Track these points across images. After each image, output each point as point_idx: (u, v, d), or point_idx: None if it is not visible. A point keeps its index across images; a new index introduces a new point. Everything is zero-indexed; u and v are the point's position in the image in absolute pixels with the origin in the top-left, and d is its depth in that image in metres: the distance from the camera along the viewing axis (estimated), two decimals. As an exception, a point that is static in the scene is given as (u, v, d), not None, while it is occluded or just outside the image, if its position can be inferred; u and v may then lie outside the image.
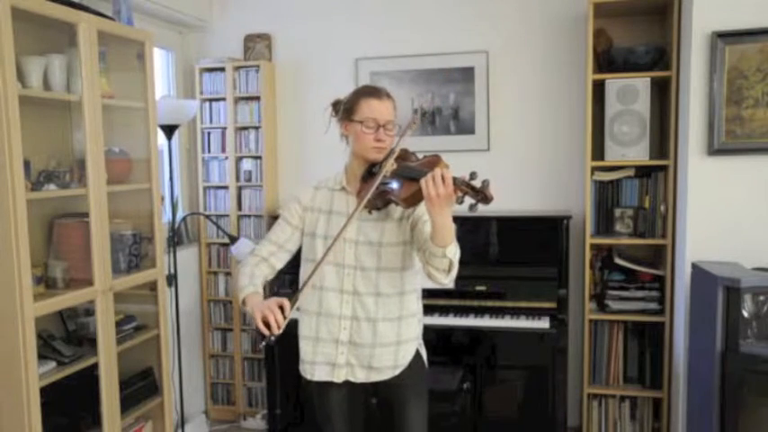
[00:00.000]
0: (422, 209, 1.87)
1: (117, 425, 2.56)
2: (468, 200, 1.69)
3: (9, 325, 2.12)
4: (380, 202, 1.90)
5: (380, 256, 1.93)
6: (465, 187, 1.68)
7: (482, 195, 1.67)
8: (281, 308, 1.75)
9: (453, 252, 1.78)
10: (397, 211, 1.95)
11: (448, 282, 1.86)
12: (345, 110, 1.97)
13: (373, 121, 1.91)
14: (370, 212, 1.94)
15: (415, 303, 2.05)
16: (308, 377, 2.03)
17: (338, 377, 1.98)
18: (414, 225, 1.95)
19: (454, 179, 1.68)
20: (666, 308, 3.12)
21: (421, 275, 2.02)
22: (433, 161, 1.84)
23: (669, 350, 3.12)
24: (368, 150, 1.93)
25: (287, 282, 3.48)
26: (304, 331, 2.04)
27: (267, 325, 1.73)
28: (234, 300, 3.80)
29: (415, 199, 1.80)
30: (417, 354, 2.05)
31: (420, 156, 1.96)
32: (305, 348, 2.03)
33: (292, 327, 3.26)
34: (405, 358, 2.00)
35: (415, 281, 2.04)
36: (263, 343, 1.80)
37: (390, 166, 1.87)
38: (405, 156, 1.94)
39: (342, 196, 2.01)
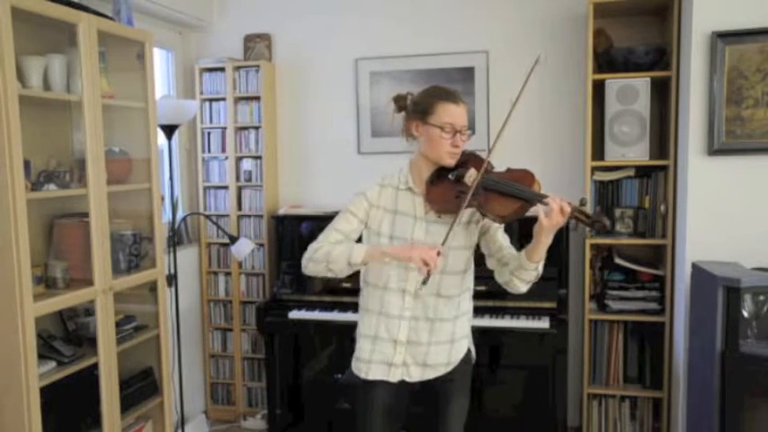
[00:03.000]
0: None
1: (117, 425, 2.56)
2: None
3: (9, 325, 2.12)
4: (454, 206, 1.88)
5: (447, 259, 1.93)
6: (581, 215, 1.75)
7: (600, 225, 1.73)
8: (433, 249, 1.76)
9: (542, 264, 1.86)
10: (465, 214, 1.94)
11: (526, 290, 1.94)
12: (419, 111, 1.94)
13: (451, 126, 1.89)
14: (439, 216, 1.93)
15: (468, 302, 2.07)
16: (363, 375, 2.02)
17: (394, 377, 1.99)
18: (484, 231, 1.97)
19: (572, 209, 1.74)
20: (666, 308, 3.12)
21: (473, 274, 2.06)
22: (527, 176, 1.86)
23: (669, 350, 3.12)
24: (443, 155, 1.91)
25: (287, 282, 3.48)
26: (364, 329, 2.04)
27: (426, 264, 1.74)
28: (234, 299, 3.80)
29: (514, 216, 1.81)
30: (468, 350, 2.08)
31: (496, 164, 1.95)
32: (363, 346, 2.03)
33: (293, 326, 3.27)
34: (458, 355, 2.03)
35: (471, 280, 2.06)
36: (424, 282, 1.79)
37: (478, 179, 1.85)
38: (480, 164, 1.91)
39: (407, 196, 1.98)
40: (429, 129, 1.91)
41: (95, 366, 2.47)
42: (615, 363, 3.26)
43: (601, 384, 3.29)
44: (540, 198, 1.78)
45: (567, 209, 1.73)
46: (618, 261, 3.22)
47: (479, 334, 3.07)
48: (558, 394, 3.05)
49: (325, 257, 1.89)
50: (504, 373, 3.35)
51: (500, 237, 1.97)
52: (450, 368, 2.01)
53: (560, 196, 1.80)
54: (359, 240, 2.02)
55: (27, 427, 2.16)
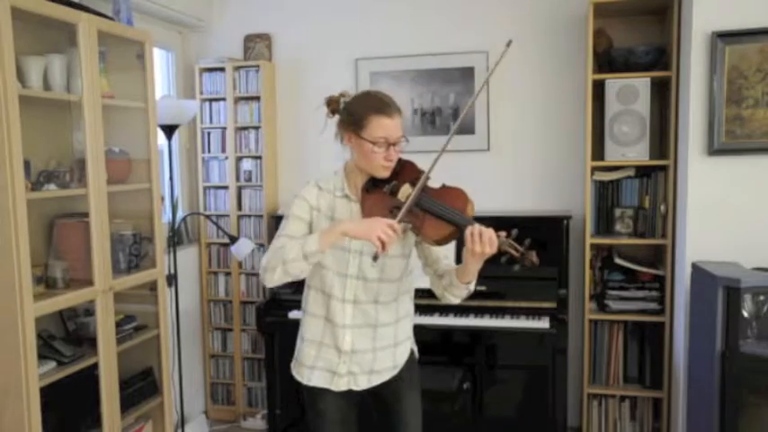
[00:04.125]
0: None
1: (117, 425, 2.56)
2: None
3: (9, 325, 2.12)
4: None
5: (384, 268, 1.91)
6: (509, 248, 1.72)
7: (527, 260, 1.71)
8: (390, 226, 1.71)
9: (474, 284, 1.86)
10: (415, 235, 1.91)
11: (458, 302, 1.95)
12: (352, 122, 1.87)
13: (384, 140, 1.82)
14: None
15: (409, 303, 2.06)
16: (304, 381, 2.00)
17: (337, 386, 1.96)
18: (421, 241, 1.93)
19: (500, 242, 1.70)
20: (666, 308, 3.12)
21: (413, 276, 2.04)
22: (460, 197, 1.81)
23: (669, 350, 3.12)
24: (376, 168, 1.87)
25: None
26: (308, 334, 2.00)
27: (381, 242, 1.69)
28: (234, 299, 3.80)
29: (446, 241, 1.79)
30: (411, 351, 2.08)
31: (427, 175, 1.86)
32: (307, 351, 1.99)
33: (293, 326, 3.27)
34: (402, 357, 2.02)
35: (409, 283, 2.04)
36: (375, 259, 1.75)
37: (412, 197, 1.79)
38: (417, 177, 1.84)
39: (344, 204, 1.93)
40: (362, 143, 1.84)
41: (95, 366, 2.47)
42: (615, 363, 3.26)
43: (601, 384, 3.29)
44: (471, 225, 1.73)
45: (494, 240, 1.69)
46: (618, 261, 3.22)
47: (479, 334, 3.09)
48: (558, 394, 3.05)
49: (279, 260, 1.78)
50: (503, 373, 3.35)
51: (435, 248, 1.92)
52: (395, 371, 1.99)
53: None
54: None
55: (27, 427, 2.16)
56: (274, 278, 1.82)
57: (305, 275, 1.88)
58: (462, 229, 1.73)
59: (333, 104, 1.97)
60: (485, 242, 1.69)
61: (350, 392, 1.99)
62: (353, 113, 1.88)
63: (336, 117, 1.96)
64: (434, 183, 1.89)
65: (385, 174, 1.88)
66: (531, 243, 1.71)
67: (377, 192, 1.89)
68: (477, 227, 1.71)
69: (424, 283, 2.07)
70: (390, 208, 1.82)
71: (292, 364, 2.06)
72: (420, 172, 1.88)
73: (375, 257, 1.74)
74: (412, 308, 2.08)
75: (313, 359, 1.98)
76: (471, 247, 1.70)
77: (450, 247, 2.16)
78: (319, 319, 1.97)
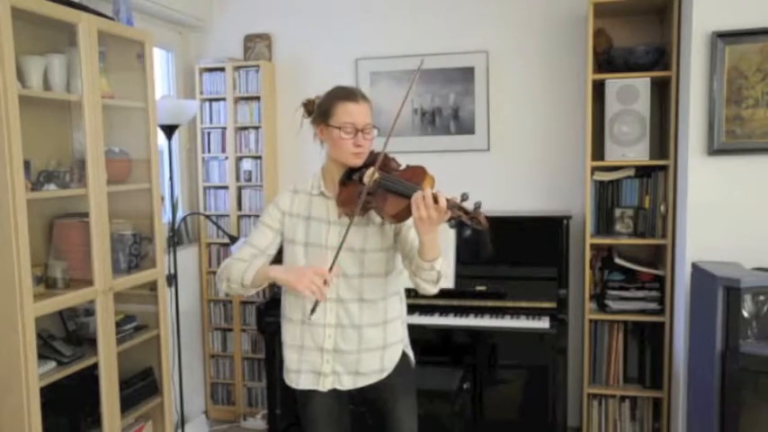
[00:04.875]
0: None
1: (117, 425, 2.56)
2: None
3: (9, 325, 2.12)
4: (362, 211, 1.84)
5: (363, 263, 1.90)
6: (458, 210, 1.65)
7: (476, 220, 1.64)
8: (317, 273, 1.73)
9: (441, 264, 1.79)
10: (378, 216, 1.92)
11: (435, 291, 1.88)
12: (321, 113, 1.91)
13: (351, 125, 1.85)
14: (351, 219, 1.87)
15: (399, 306, 2.03)
16: (294, 386, 2.00)
17: (323, 386, 1.95)
18: (398, 231, 1.92)
19: (447, 201, 1.64)
20: (666, 308, 3.12)
21: (403, 277, 2.01)
22: (418, 173, 1.79)
23: (669, 350, 3.12)
24: (347, 156, 1.88)
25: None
26: (288, 339, 2.00)
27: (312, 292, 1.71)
28: (234, 299, 3.80)
29: (403, 216, 1.76)
30: (404, 354, 2.04)
31: (402, 163, 1.91)
32: (290, 357, 1.99)
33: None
34: (391, 361, 1.99)
35: (398, 283, 2.02)
36: (313, 311, 1.78)
37: (373, 175, 1.81)
38: (386, 163, 1.88)
39: (320, 201, 1.95)
40: (330, 130, 1.88)
41: (95, 366, 2.47)
42: (615, 363, 3.26)
43: (601, 384, 3.29)
44: (416, 189, 1.70)
45: (441, 199, 1.64)
46: (618, 261, 3.22)
47: (479, 334, 3.09)
48: (558, 394, 3.05)
49: (226, 277, 1.90)
50: (503, 373, 3.35)
51: (411, 236, 1.89)
52: (384, 375, 1.97)
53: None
54: (280, 250, 2.00)
55: (27, 427, 2.16)
56: (222, 289, 1.94)
57: (252, 293, 1.95)
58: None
59: (309, 106, 2.01)
60: (428, 205, 1.63)
61: (337, 393, 1.97)
62: (321, 105, 1.94)
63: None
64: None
65: (356, 161, 1.89)
66: (479, 204, 1.63)
67: (351, 183, 1.90)
68: (421, 192, 1.66)
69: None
70: (359, 194, 1.82)
71: (284, 372, 2.05)
72: (389, 159, 1.90)
73: (312, 310, 1.76)
74: (403, 311, 2.06)
75: (297, 363, 1.97)
76: (417, 212, 1.65)
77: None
78: (296, 323, 1.96)
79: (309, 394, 1.98)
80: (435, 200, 1.64)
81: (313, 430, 2.02)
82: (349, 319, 1.92)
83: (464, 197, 1.67)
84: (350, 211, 1.83)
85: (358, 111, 1.87)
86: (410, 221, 1.82)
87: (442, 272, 1.81)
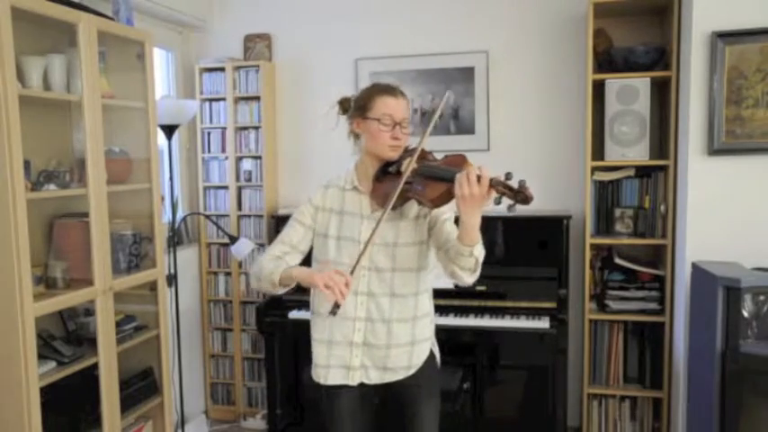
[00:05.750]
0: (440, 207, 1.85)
1: (117, 425, 2.56)
2: (506, 201, 1.65)
3: (9, 325, 2.12)
4: (398, 201, 1.85)
5: (395, 257, 1.91)
6: (502, 188, 1.64)
7: (522, 196, 1.61)
8: (338, 272, 1.74)
9: (480, 251, 1.78)
10: (412, 209, 1.93)
11: (472, 281, 1.84)
12: (358, 107, 1.93)
13: (390, 118, 1.87)
14: (385, 209, 1.87)
15: (428, 303, 2.04)
16: (322, 381, 1.99)
17: (352, 380, 1.96)
18: (432, 224, 1.93)
19: (490, 179, 1.64)
20: (666, 308, 3.12)
21: (432, 275, 2.02)
22: (458, 161, 1.80)
23: (669, 350, 3.12)
24: (384, 149, 1.90)
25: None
26: (317, 334, 2.00)
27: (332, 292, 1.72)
28: (234, 299, 3.80)
29: (443, 199, 1.76)
30: (431, 354, 2.05)
31: (438, 155, 1.92)
32: (318, 351, 1.99)
33: (293, 326, 3.27)
34: (419, 358, 1.99)
35: (428, 280, 2.03)
36: (332, 312, 1.77)
37: (411, 165, 1.83)
38: (423, 155, 1.90)
39: (353, 196, 1.97)
40: (368, 123, 1.90)
41: (95, 366, 2.47)
42: (615, 363, 3.26)
43: (601, 384, 3.29)
44: (457, 173, 1.70)
45: (485, 175, 1.64)
46: (618, 261, 3.22)
47: (479, 334, 3.09)
48: (558, 394, 3.05)
49: (258, 277, 1.93)
50: (503, 373, 3.35)
51: (447, 228, 1.90)
52: (411, 371, 1.97)
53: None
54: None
55: (27, 427, 2.16)
56: (252, 284, 1.96)
57: (281, 293, 1.96)
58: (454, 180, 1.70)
59: (344, 103, 2.02)
60: (472, 182, 1.63)
61: (364, 390, 1.98)
62: (359, 100, 1.96)
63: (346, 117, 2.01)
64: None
65: (393, 154, 1.91)
66: (523, 181, 1.62)
67: (387, 178, 1.91)
68: (464, 171, 1.66)
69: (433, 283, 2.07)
70: (396, 184, 1.82)
71: (312, 368, 2.04)
72: (426, 152, 1.92)
73: (332, 310, 1.75)
74: (432, 308, 2.06)
75: (326, 358, 1.98)
76: (460, 190, 1.64)
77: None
78: (325, 317, 1.95)
79: (337, 390, 1.98)
80: (478, 179, 1.64)
81: (338, 427, 2.01)
82: (379, 314, 1.92)
83: (508, 176, 1.66)
84: (386, 202, 1.83)
85: (396, 104, 1.90)
86: (445, 213, 1.86)
87: (480, 260, 1.79)
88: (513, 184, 1.64)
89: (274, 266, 1.90)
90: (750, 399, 2.42)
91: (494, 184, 1.64)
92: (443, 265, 1.89)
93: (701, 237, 2.75)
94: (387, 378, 1.96)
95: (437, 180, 1.78)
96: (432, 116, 1.92)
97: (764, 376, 2.37)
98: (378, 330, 1.93)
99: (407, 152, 1.92)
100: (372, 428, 2.09)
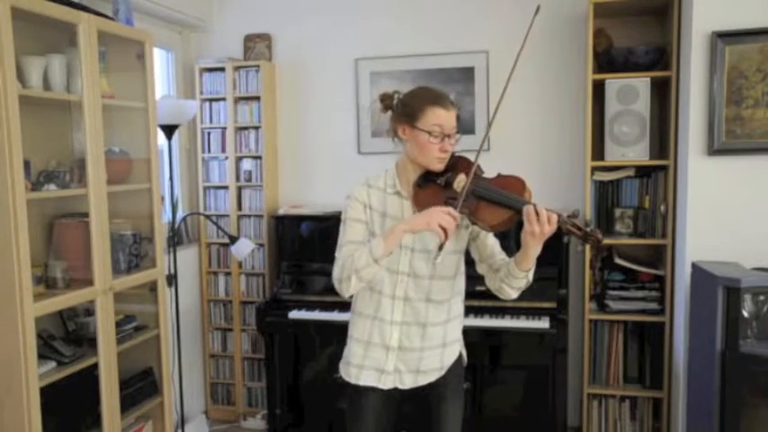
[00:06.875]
0: None
1: (117, 425, 2.56)
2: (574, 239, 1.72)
3: (9, 325, 2.12)
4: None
5: (435, 265, 1.90)
6: (571, 227, 1.69)
7: (593, 239, 1.69)
8: (448, 213, 1.71)
9: (533, 272, 1.82)
10: (471, 223, 1.90)
11: (516, 296, 1.89)
12: (406, 113, 1.88)
13: (440, 130, 1.83)
14: None
15: (459, 305, 2.04)
16: (353, 381, 1.98)
17: (385, 384, 1.96)
18: (474, 236, 1.93)
19: (560, 220, 1.68)
20: (666, 308, 3.12)
21: (464, 277, 2.02)
22: (517, 185, 1.80)
23: (669, 350, 3.12)
24: (431, 160, 1.87)
25: (287, 282, 3.49)
26: (356, 333, 2.00)
27: (443, 230, 1.69)
28: (234, 299, 3.80)
29: (505, 226, 1.76)
30: (459, 354, 2.06)
31: (485, 169, 1.90)
32: (356, 351, 1.98)
33: (293, 326, 3.27)
34: (450, 359, 2.00)
35: (462, 284, 2.03)
36: (440, 249, 1.75)
37: (468, 185, 1.80)
38: (470, 167, 1.85)
39: (395, 200, 1.93)
40: (417, 133, 1.85)
41: (95, 366, 2.47)
42: (615, 363, 3.26)
43: (601, 384, 3.29)
44: (524, 203, 1.73)
45: (554, 218, 1.68)
46: (618, 261, 3.22)
47: (479, 334, 3.09)
48: (558, 394, 3.05)
49: (352, 270, 1.80)
50: (504, 373, 3.35)
51: (491, 242, 1.93)
52: (442, 372, 1.98)
53: (552, 206, 1.76)
54: None
55: (27, 427, 2.16)
56: (350, 288, 1.84)
57: (377, 278, 1.90)
58: (519, 212, 1.72)
59: (386, 100, 1.98)
60: (543, 221, 1.67)
61: (395, 392, 1.98)
62: (408, 105, 1.90)
63: (389, 113, 1.97)
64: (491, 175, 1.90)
65: (440, 166, 1.88)
66: (589, 222, 1.69)
67: (430, 186, 1.89)
68: (533, 206, 1.69)
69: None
70: (446, 199, 1.81)
71: (341, 364, 2.05)
72: (472, 162, 1.89)
73: (440, 247, 1.74)
74: (462, 310, 2.07)
75: (361, 358, 1.97)
76: (530, 227, 1.68)
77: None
78: (367, 318, 1.96)
79: (366, 391, 1.98)
80: (548, 219, 1.68)
81: (361, 425, 2.01)
82: (414, 317, 1.92)
83: (574, 214, 1.71)
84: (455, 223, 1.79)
85: (448, 116, 1.86)
86: None
87: (530, 280, 1.85)
88: (582, 224, 1.69)
89: (363, 250, 1.79)
90: (750, 399, 2.42)
91: (562, 222, 1.69)
92: (489, 278, 1.92)
93: (701, 237, 2.75)
94: (420, 381, 1.97)
95: (497, 205, 1.77)
96: (486, 130, 1.88)
97: (764, 376, 2.37)
98: (413, 334, 1.93)
99: (453, 160, 1.90)
100: (394, 428, 2.08)
